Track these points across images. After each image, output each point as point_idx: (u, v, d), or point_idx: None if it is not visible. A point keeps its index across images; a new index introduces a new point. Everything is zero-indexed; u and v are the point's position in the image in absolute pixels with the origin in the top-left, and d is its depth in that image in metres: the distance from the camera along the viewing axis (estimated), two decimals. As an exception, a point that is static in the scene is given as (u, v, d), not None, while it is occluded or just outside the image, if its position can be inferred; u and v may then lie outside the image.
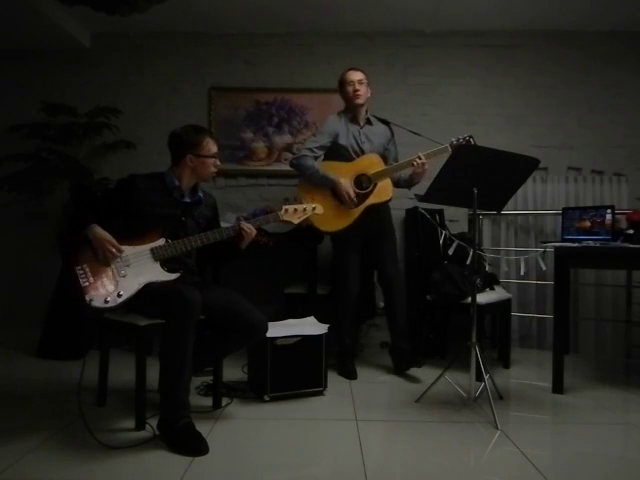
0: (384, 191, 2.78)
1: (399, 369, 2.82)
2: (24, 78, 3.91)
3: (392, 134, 2.99)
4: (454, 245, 3.07)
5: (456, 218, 3.70)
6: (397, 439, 2.00)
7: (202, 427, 1.93)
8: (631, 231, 2.56)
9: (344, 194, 2.70)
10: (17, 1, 3.17)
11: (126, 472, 1.68)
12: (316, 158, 2.82)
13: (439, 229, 3.16)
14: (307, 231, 3.06)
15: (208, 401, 2.31)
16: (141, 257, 2.01)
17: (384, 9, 3.55)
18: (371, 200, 2.76)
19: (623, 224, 2.66)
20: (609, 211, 2.65)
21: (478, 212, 2.39)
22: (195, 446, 1.81)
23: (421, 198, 2.45)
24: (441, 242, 3.12)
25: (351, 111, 2.88)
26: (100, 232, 1.98)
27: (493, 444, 1.95)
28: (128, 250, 2.01)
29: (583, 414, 2.30)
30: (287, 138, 3.90)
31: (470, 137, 2.74)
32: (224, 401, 2.30)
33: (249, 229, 2.14)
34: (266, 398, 2.36)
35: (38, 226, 3.78)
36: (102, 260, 1.96)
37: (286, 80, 3.90)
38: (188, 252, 2.12)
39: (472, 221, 3.35)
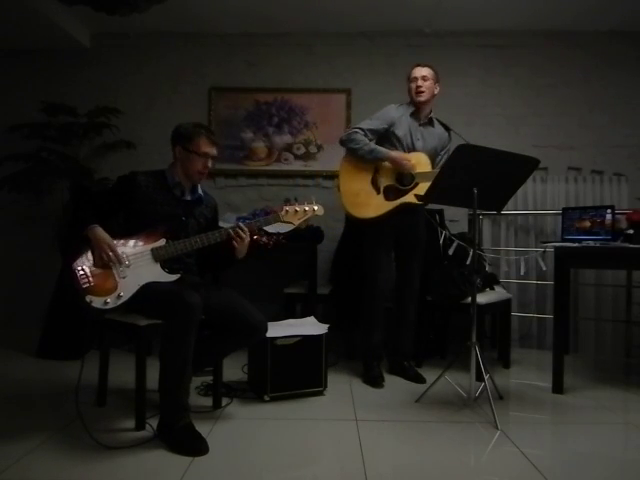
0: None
1: (409, 377, 2.78)
2: (24, 78, 3.92)
3: (449, 141, 2.87)
4: (454, 245, 3.07)
5: (456, 218, 3.70)
6: (397, 439, 2.00)
7: (202, 427, 1.93)
8: (631, 231, 2.56)
9: (399, 159, 2.61)
10: (17, 1, 3.17)
11: (126, 472, 1.68)
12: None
13: (439, 229, 3.16)
14: (307, 231, 3.07)
15: (208, 401, 2.31)
16: (142, 258, 2.01)
17: (384, 9, 3.55)
18: (407, 198, 2.66)
19: (623, 224, 2.66)
20: (609, 211, 2.65)
21: (478, 212, 2.39)
22: (195, 446, 1.81)
23: (421, 198, 2.45)
24: (441, 242, 3.12)
25: (414, 106, 2.75)
26: (101, 234, 1.96)
27: (493, 444, 1.95)
28: (129, 250, 2.00)
29: (583, 414, 2.29)
30: (287, 138, 3.90)
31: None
32: (224, 401, 2.30)
33: (243, 233, 2.08)
34: (266, 398, 2.35)
35: (38, 226, 3.79)
36: (99, 262, 1.95)
37: (286, 80, 3.90)
38: (188, 252, 2.12)
39: (472, 221, 3.35)
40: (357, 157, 2.69)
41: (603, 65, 3.81)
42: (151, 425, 1.97)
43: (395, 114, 2.73)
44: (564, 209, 2.94)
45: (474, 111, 3.83)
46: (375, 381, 2.69)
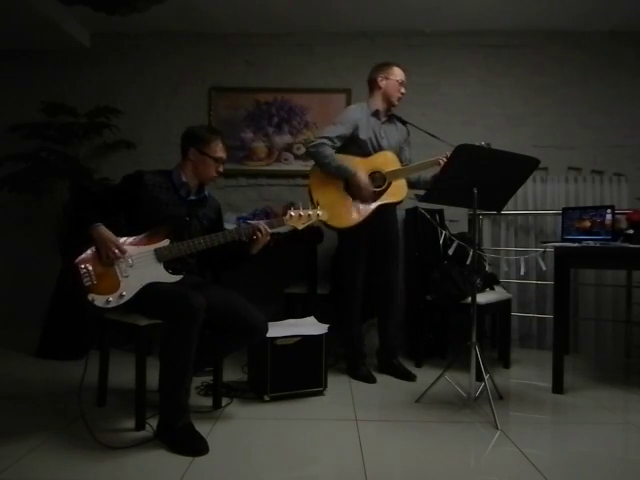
0: (398, 191, 2.69)
1: (402, 376, 2.78)
2: (24, 78, 3.92)
3: (408, 134, 2.92)
4: (454, 245, 3.07)
5: (456, 218, 3.70)
6: (397, 439, 2.00)
7: (202, 427, 1.93)
8: (631, 231, 2.56)
9: (362, 187, 2.60)
10: (17, 1, 3.17)
11: (126, 472, 1.68)
12: (334, 149, 2.66)
13: (439, 229, 3.16)
14: (307, 231, 3.06)
15: (208, 401, 2.31)
16: (145, 258, 2.01)
17: (384, 9, 3.55)
18: (384, 199, 2.67)
19: (623, 224, 2.66)
20: (609, 211, 2.65)
21: (478, 212, 2.39)
22: (195, 446, 1.81)
23: (421, 198, 2.45)
24: (441, 242, 3.12)
25: (379, 106, 2.76)
26: (105, 232, 1.97)
27: (493, 444, 1.95)
28: (132, 250, 1.99)
29: (583, 414, 2.30)
30: (287, 138, 3.90)
31: (488, 145, 2.55)
32: (224, 401, 2.31)
33: (265, 230, 2.11)
34: (266, 398, 2.36)
35: (38, 226, 3.79)
36: (105, 260, 1.95)
37: (286, 80, 3.90)
38: (191, 253, 2.12)
39: (472, 221, 3.35)
40: (323, 170, 2.66)
41: (603, 65, 3.81)
42: (151, 425, 1.97)
43: (360, 115, 2.73)
44: (564, 209, 2.95)
45: (474, 111, 3.83)
46: (368, 378, 2.72)
